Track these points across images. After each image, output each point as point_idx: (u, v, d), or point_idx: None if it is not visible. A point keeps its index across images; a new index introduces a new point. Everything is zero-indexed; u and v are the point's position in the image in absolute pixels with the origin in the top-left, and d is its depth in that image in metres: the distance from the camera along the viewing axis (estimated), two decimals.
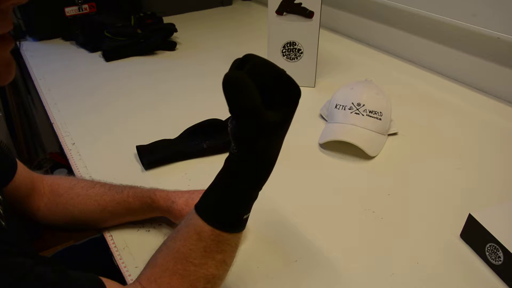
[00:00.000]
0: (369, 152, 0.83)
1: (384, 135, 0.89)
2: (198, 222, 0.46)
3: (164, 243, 0.50)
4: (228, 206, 0.46)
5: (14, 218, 0.53)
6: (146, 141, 0.85)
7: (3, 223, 0.46)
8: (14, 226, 0.52)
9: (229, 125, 0.44)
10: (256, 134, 0.43)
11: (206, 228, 0.46)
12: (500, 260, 0.59)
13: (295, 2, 1.03)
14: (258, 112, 0.41)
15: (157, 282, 0.47)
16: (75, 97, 1.10)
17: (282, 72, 0.43)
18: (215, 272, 0.47)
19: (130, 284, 0.49)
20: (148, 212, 0.66)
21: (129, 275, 0.60)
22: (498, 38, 1.01)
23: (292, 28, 1.06)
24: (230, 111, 0.42)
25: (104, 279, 0.45)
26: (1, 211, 0.49)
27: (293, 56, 1.11)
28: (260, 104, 0.41)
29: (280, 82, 0.43)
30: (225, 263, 0.49)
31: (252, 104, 0.41)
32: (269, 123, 0.42)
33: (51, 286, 0.39)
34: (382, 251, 0.64)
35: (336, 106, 0.90)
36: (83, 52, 1.38)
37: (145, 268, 0.50)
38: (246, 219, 0.48)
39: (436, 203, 0.73)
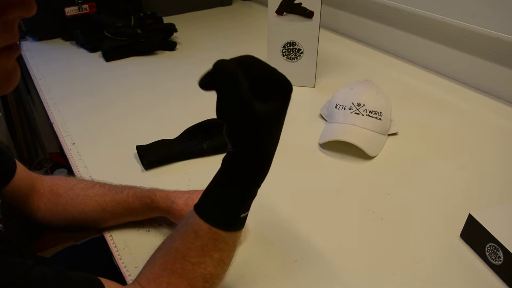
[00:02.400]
0: (369, 152, 0.83)
1: (384, 135, 0.89)
2: (196, 220, 0.46)
3: (163, 243, 0.50)
4: (224, 204, 0.46)
5: (13, 219, 0.53)
6: (146, 141, 0.85)
7: (1, 226, 0.46)
8: (13, 228, 0.52)
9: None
10: (244, 122, 0.42)
11: (203, 226, 0.46)
12: (500, 260, 0.59)
13: (295, 2, 1.03)
14: (245, 98, 0.41)
15: (156, 282, 0.47)
16: (75, 97, 1.10)
17: (270, 67, 0.43)
18: (213, 272, 0.47)
19: (129, 284, 0.49)
20: (148, 212, 0.66)
21: (129, 275, 0.60)
22: (498, 38, 1.01)
23: (292, 28, 1.06)
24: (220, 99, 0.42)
25: (103, 280, 0.45)
26: (0, 214, 0.49)
27: (293, 56, 1.11)
28: (248, 91, 0.41)
29: (269, 77, 0.43)
30: (223, 262, 0.48)
31: (239, 89, 0.40)
32: (256, 111, 0.42)
33: (49, 286, 0.39)
34: (382, 251, 0.64)
35: (336, 106, 0.90)
36: (83, 52, 1.38)
37: (144, 268, 0.50)
38: (244, 218, 0.48)
39: (436, 203, 0.73)
